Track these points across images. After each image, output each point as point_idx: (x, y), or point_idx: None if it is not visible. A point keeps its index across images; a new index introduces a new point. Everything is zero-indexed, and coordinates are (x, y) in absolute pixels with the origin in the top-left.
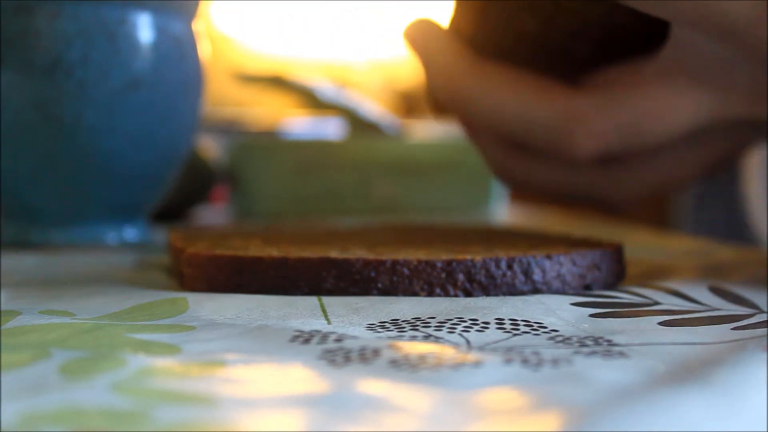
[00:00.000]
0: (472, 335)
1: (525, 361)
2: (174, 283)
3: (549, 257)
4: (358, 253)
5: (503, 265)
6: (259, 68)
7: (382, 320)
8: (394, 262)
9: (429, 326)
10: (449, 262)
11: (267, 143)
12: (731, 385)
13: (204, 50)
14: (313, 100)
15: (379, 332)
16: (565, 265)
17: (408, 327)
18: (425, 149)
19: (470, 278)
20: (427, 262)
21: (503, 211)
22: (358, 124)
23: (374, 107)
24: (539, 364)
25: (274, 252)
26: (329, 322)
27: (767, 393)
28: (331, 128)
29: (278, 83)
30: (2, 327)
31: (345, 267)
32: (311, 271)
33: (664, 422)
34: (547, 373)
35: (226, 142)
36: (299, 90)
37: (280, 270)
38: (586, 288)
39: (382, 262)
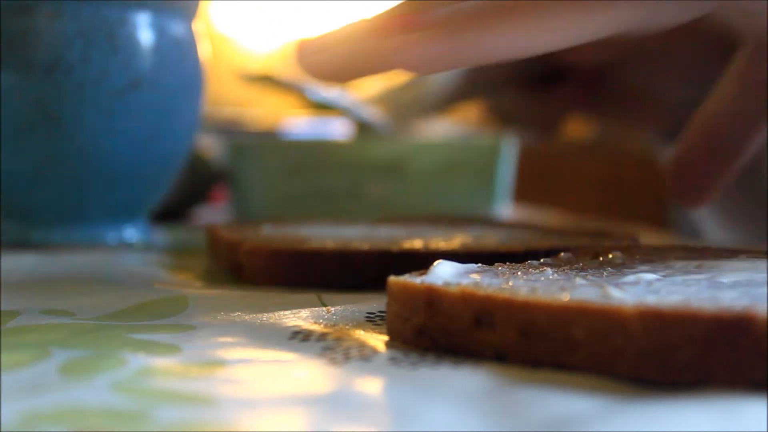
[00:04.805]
0: None
1: None
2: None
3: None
4: (416, 245)
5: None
6: (255, 68)
7: (382, 310)
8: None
9: None
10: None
11: (260, 143)
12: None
13: (204, 50)
14: (302, 100)
15: (378, 324)
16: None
17: None
18: (423, 149)
19: None
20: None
21: (508, 213)
22: (354, 123)
23: (369, 107)
24: None
25: (330, 244)
26: (328, 311)
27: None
28: (333, 129)
29: (269, 82)
30: (2, 327)
31: (406, 259)
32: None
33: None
34: None
35: (226, 142)
36: (289, 89)
37: (341, 261)
38: None
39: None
